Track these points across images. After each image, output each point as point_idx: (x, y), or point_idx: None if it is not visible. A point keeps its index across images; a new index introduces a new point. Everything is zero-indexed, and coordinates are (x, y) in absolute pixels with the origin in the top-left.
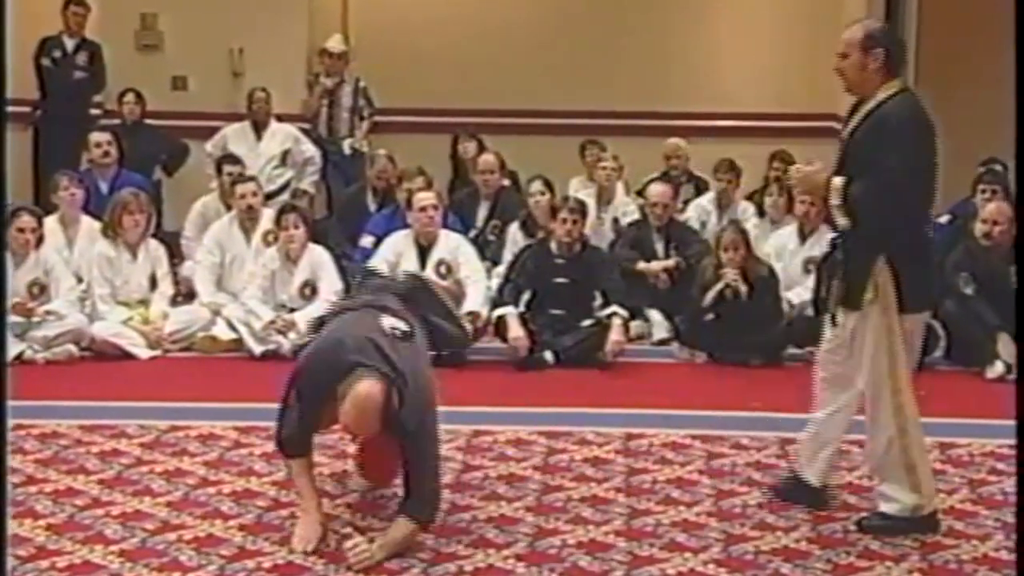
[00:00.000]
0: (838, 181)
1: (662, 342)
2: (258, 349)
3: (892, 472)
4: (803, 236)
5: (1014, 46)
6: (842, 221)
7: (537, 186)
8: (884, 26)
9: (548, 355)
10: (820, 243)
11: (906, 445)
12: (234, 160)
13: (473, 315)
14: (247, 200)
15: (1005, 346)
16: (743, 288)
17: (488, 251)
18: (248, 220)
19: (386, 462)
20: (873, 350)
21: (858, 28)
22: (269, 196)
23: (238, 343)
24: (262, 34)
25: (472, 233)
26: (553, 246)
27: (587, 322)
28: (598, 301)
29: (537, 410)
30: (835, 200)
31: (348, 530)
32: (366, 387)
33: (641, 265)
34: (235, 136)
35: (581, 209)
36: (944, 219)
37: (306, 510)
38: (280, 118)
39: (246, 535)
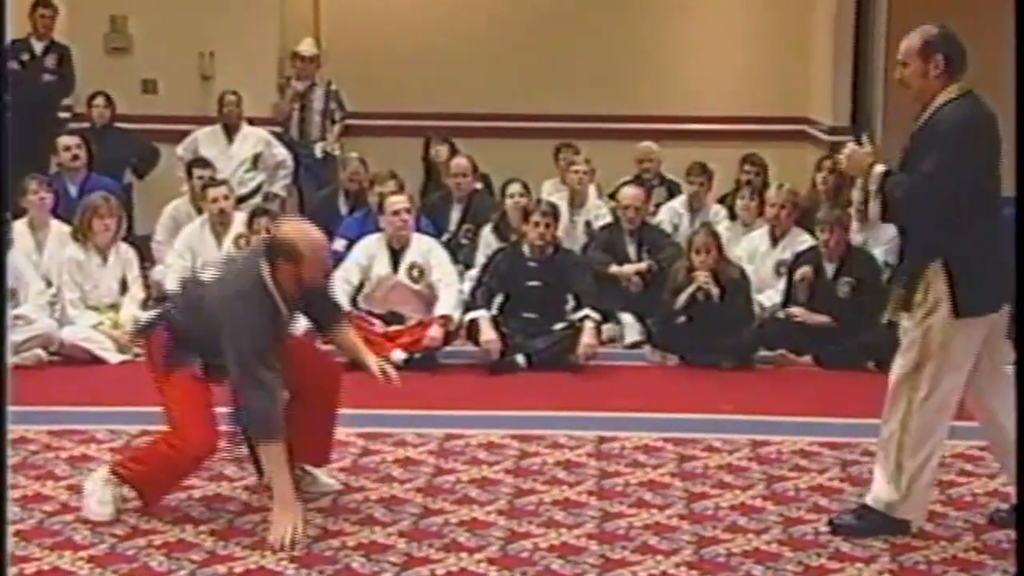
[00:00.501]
0: (880, 168)
1: (634, 345)
2: None
3: (883, 461)
4: (774, 239)
5: (1014, 46)
6: (874, 209)
7: (516, 188)
8: (942, 31)
9: (520, 358)
10: (791, 246)
11: (902, 443)
12: (205, 164)
13: (445, 318)
14: (219, 204)
15: None
16: (715, 291)
17: (460, 254)
18: (220, 224)
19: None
20: (908, 344)
21: (916, 36)
22: (241, 200)
23: None
24: (233, 37)
25: (445, 237)
26: (525, 249)
27: (559, 325)
28: (570, 304)
29: (509, 413)
30: (873, 186)
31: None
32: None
33: (613, 268)
34: (206, 139)
35: (553, 212)
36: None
37: (286, 501)
38: (251, 121)
39: (217, 540)
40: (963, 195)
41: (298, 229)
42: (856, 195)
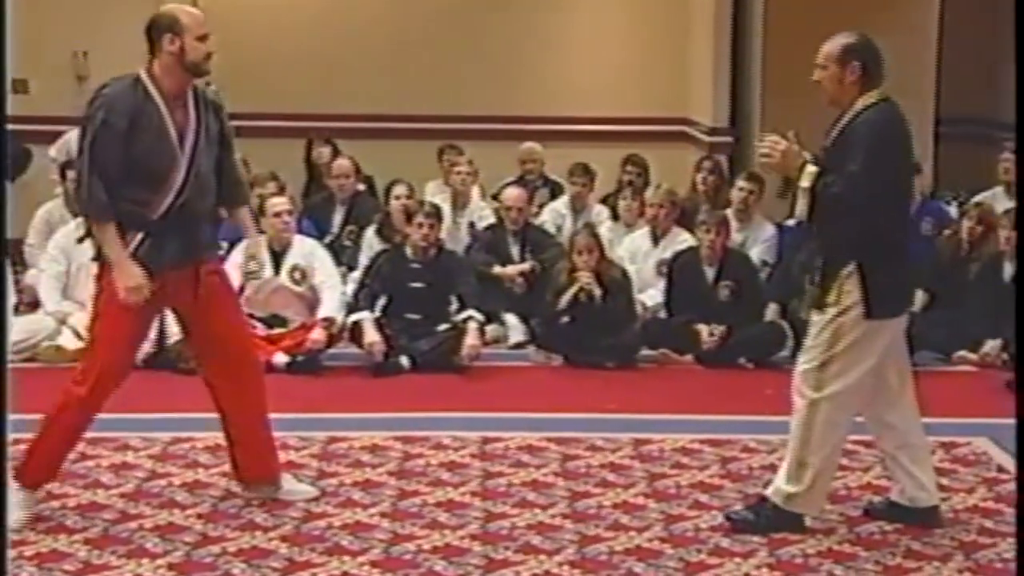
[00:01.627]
0: (813, 168)
1: (518, 345)
2: None
3: (789, 454)
4: (656, 239)
5: (1014, 46)
6: (801, 207)
7: (401, 189)
8: (861, 38)
9: (404, 360)
10: (672, 246)
11: (806, 440)
12: None
13: (328, 321)
14: None
15: None
16: (597, 291)
17: (344, 256)
18: None
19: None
20: (817, 342)
21: (836, 41)
22: None
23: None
24: (107, 36)
25: (327, 238)
26: (408, 251)
27: (443, 326)
28: (454, 305)
29: (393, 415)
30: (804, 183)
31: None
32: None
33: (497, 269)
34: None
35: (436, 213)
36: (792, 222)
37: (121, 264)
38: None
39: (206, 523)
40: (882, 199)
41: (174, 4)
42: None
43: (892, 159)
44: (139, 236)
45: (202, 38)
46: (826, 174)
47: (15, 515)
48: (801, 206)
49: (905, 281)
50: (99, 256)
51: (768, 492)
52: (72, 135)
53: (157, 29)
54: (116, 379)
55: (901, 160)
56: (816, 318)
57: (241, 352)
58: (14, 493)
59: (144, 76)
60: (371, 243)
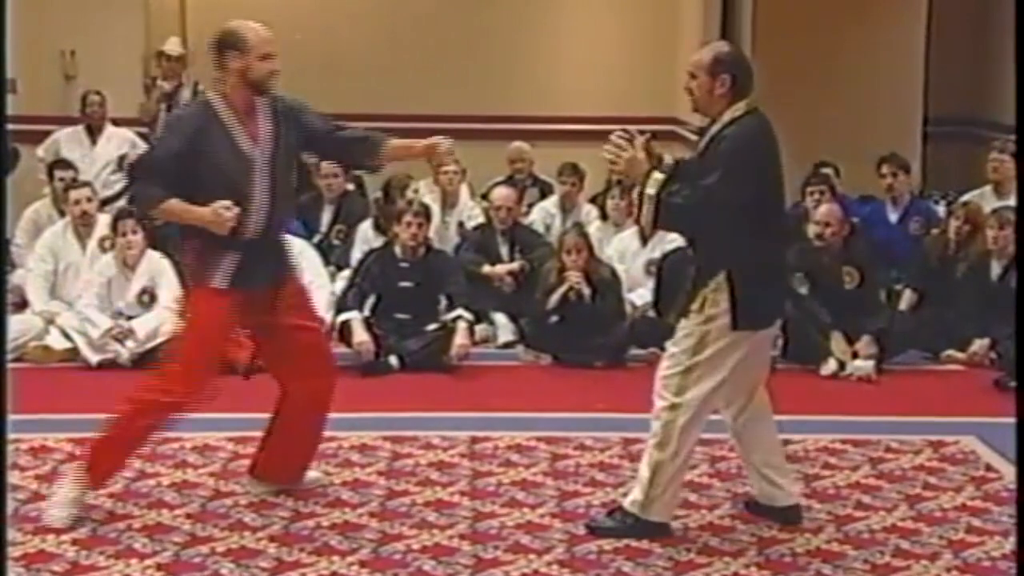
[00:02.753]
0: (659, 176)
1: (507, 345)
2: (95, 358)
3: (645, 459)
4: (644, 239)
5: (1015, 47)
6: (646, 214)
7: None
8: (732, 50)
9: (393, 359)
10: (661, 245)
11: (665, 444)
12: (66, 165)
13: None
14: (81, 206)
15: (837, 344)
16: (586, 290)
17: (332, 256)
18: (83, 227)
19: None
20: (680, 348)
21: (707, 51)
22: (106, 202)
23: (73, 353)
24: (95, 36)
25: (316, 238)
26: (397, 250)
27: (432, 326)
28: (443, 305)
29: (382, 415)
30: (650, 190)
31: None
32: None
33: (486, 268)
34: (68, 141)
35: (425, 213)
36: None
37: (193, 211)
38: (116, 122)
39: (195, 523)
40: (747, 211)
41: (239, 21)
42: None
43: (752, 173)
44: (233, 258)
45: (266, 57)
46: (673, 183)
47: (64, 512)
48: (646, 213)
49: (777, 294)
50: (183, 277)
51: (626, 503)
52: (60, 134)
53: (222, 46)
54: (202, 387)
55: (764, 173)
56: (682, 324)
57: (315, 356)
58: (71, 490)
59: (212, 95)
60: (366, 236)
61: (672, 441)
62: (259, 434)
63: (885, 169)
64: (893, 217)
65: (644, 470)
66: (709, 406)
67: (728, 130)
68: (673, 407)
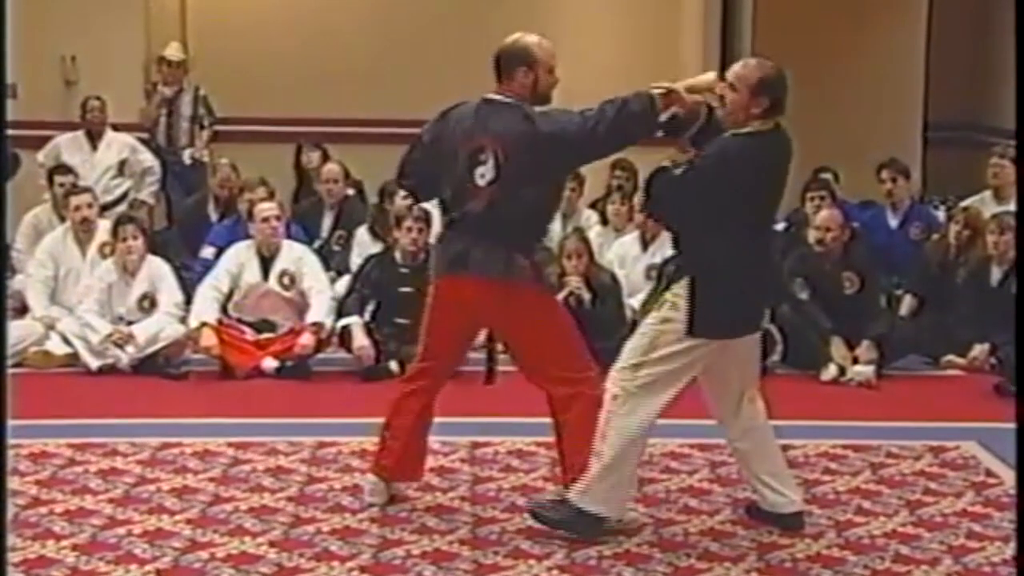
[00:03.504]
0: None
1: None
2: (95, 364)
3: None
4: (645, 244)
5: (1015, 47)
6: (639, 199)
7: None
8: (777, 73)
9: (393, 365)
10: (661, 250)
11: (604, 434)
12: (66, 170)
13: (317, 326)
14: (81, 212)
15: (838, 349)
16: (586, 296)
17: (333, 261)
18: (83, 232)
19: None
20: (636, 343)
21: (754, 68)
22: (106, 207)
23: (73, 358)
24: (96, 41)
25: (317, 243)
26: (398, 255)
27: None
28: None
29: (382, 420)
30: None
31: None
32: None
33: None
34: (69, 146)
35: (426, 218)
36: (779, 226)
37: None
38: (116, 127)
39: (195, 528)
40: (721, 220)
41: (524, 36)
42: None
43: (729, 186)
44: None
45: (551, 70)
46: (669, 170)
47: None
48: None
49: (743, 307)
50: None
51: (570, 493)
52: (60, 140)
53: (512, 60)
54: (437, 382)
55: (747, 188)
56: (644, 320)
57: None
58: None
59: (493, 96)
60: (363, 241)
61: (609, 432)
62: (259, 439)
63: (885, 174)
64: (893, 222)
65: (590, 460)
66: (651, 406)
67: (734, 138)
68: (614, 397)
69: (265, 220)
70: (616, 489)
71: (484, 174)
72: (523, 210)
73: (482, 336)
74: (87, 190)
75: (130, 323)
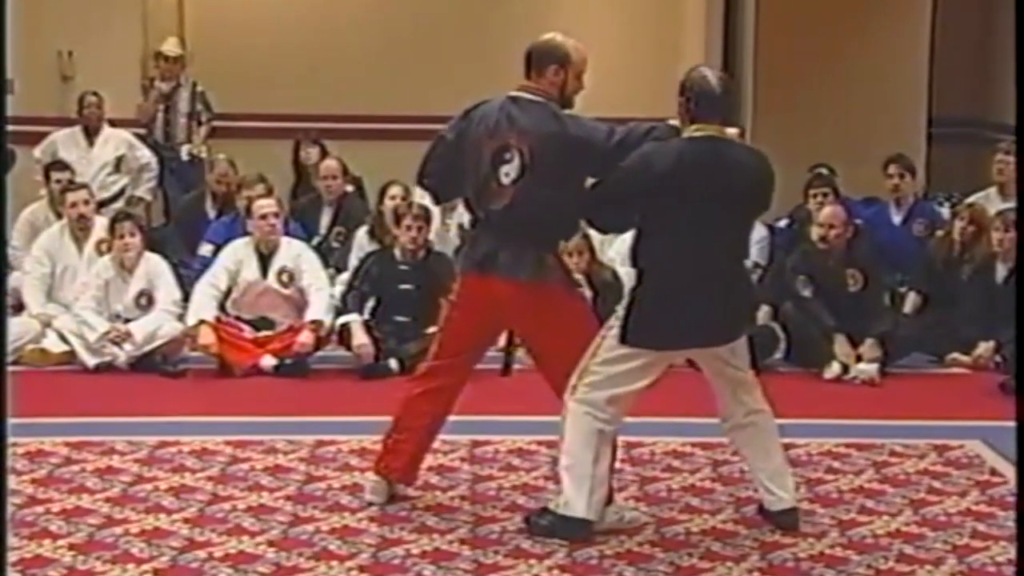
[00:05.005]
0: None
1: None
2: (92, 361)
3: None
4: None
5: (1015, 47)
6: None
7: (397, 190)
8: (698, 76)
9: (393, 363)
10: None
11: (562, 439)
12: (63, 166)
13: (316, 323)
14: (78, 209)
15: (841, 347)
16: (588, 293)
17: (331, 258)
18: (80, 229)
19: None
20: (589, 349)
21: (686, 73)
22: (103, 204)
23: (70, 356)
24: (93, 36)
25: (315, 240)
26: (397, 252)
27: (432, 329)
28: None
29: (381, 419)
30: None
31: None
32: None
33: None
34: (65, 142)
35: (426, 215)
36: (783, 223)
37: None
38: (113, 123)
39: (192, 528)
40: (648, 228)
41: (561, 36)
42: None
43: (636, 193)
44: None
45: (580, 76)
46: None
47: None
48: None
49: (671, 320)
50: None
51: (552, 505)
52: (57, 135)
53: (545, 56)
54: (453, 381)
55: (661, 199)
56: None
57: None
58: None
59: (520, 94)
60: (362, 243)
61: (567, 437)
62: (258, 438)
63: (892, 170)
64: (897, 219)
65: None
66: (596, 414)
67: (656, 144)
68: (565, 404)
69: (263, 217)
70: (589, 496)
71: (508, 172)
72: (547, 210)
73: (502, 340)
74: (84, 186)
75: (127, 321)
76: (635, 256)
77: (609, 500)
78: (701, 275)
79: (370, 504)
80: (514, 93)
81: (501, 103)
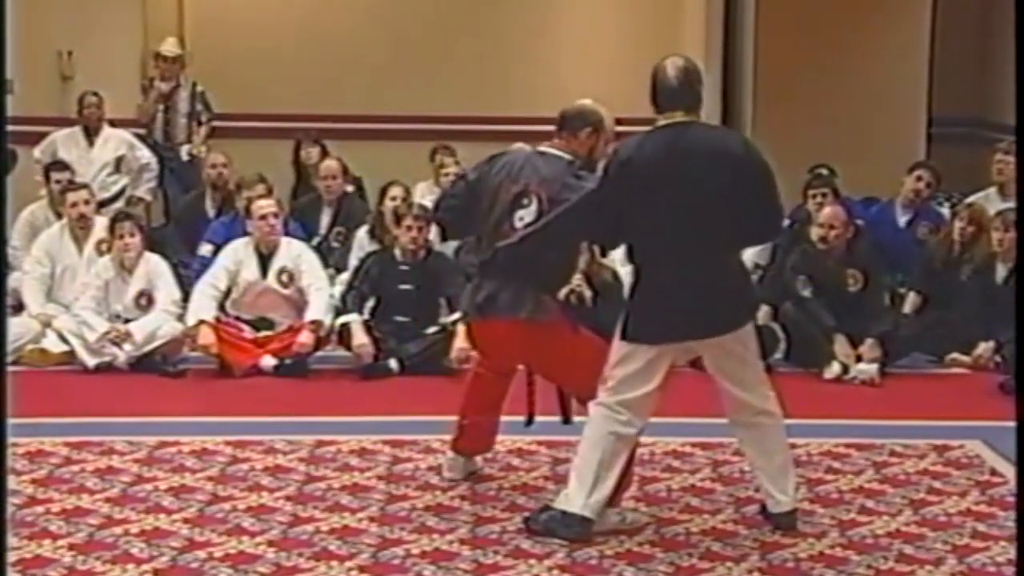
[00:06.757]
0: None
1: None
2: (91, 361)
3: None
4: None
5: (1015, 47)
6: None
7: (398, 191)
8: (658, 66)
9: (393, 363)
10: None
11: (587, 451)
12: (63, 167)
13: (316, 323)
14: (79, 208)
15: (841, 347)
16: (588, 293)
17: (331, 258)
18: (80, 229)
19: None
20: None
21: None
22: (103, 204)
23: (70, 356)
24: (93, 37)
25: (315, 240)
26: (397, 252)
27: (432, 329)
28: (443, 307)
29: (382, 419)
30: None
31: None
32: None
33: None
34: (65, 142)
35: (426, 215)
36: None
37: None
38: (113, 123)
39: (192, 528)
40: (630, 227)
41: (597, 104)
42: None
43: (611, 189)
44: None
45: (609, 142)
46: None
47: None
48: None
49: (667, 310)
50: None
51: (560, 504)
52: (57, 135)
53: (581, 120)
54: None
55: (629, 192)
56: None
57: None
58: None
59: (548, 149)
60: (362, 243)
61: (584, 439)
62: (258, 438)
63: (920, 175)
64: (902, 220)
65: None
66: (616, 414)
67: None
68: (591, 410)
69: (263, 217)
70: (592, 492)
71: (523, 217)
72: (554, 256)
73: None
74: (84, 186)
75: (127, 321)
76: (629, 254)
77: (613, 503)
78: (681, 264)
79: (369, 504)
80: (543, 148)
81: (528, 154)
